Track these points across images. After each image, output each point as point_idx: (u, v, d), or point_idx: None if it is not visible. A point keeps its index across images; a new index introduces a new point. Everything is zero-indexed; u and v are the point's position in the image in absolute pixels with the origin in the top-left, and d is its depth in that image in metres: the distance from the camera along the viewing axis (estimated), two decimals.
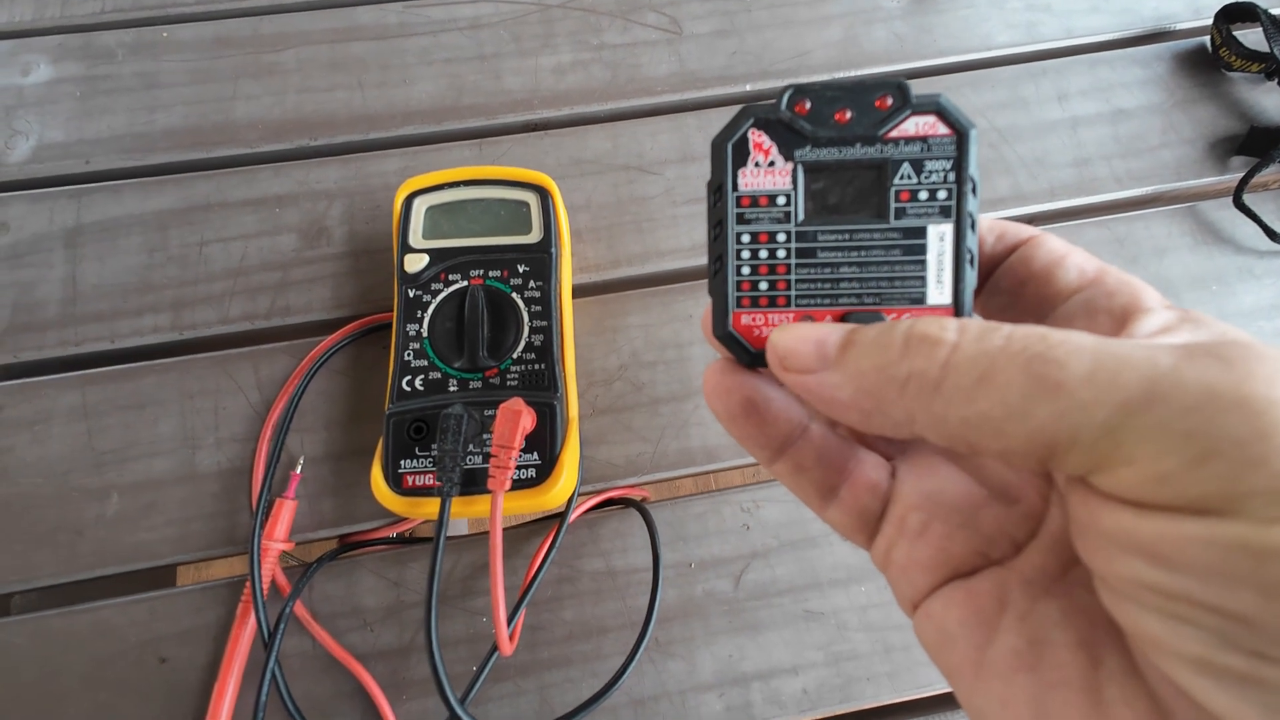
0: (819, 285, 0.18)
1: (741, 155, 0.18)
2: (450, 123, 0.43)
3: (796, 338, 0.17)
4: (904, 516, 0.18)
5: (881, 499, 0.19)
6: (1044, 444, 0.13)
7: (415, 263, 0.33)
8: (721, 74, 0.44)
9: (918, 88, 0.18)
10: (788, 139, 0.18)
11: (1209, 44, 0.44)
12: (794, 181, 0.18)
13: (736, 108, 0.42)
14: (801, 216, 0.18)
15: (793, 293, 0.18)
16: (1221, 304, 0.39)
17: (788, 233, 0.18)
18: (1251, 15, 0.41)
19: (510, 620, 0.29)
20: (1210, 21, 0.43)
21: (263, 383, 0.37)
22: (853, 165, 0.18)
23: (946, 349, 0.14)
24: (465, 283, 0.32)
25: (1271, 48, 0.41)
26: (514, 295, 0.32)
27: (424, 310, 0.32)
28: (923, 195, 0.18)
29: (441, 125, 0.43)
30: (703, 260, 0.40)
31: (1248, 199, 0.40)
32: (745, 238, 0.18)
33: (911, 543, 0.18)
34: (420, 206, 0.34)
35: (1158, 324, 0.15)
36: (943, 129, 0.18)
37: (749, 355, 0.18)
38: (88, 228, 0.40)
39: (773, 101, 0.18)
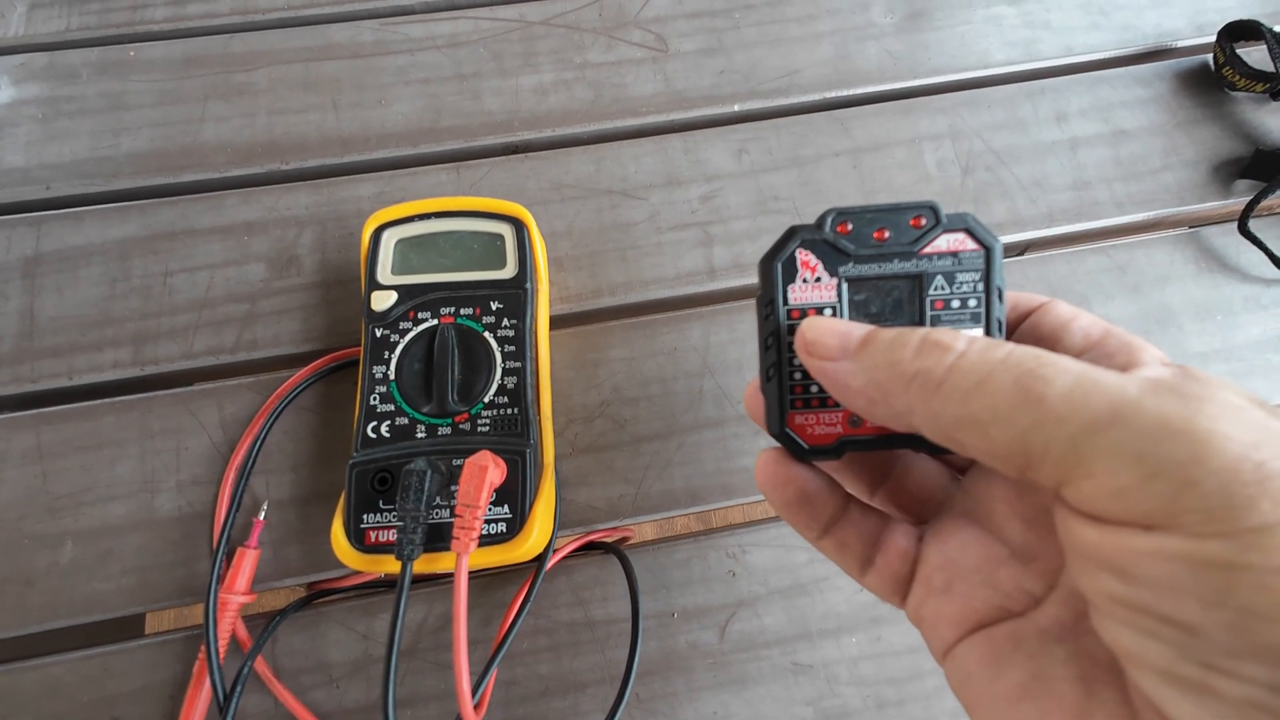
0: None
1: (790, 273, 0.20)
2: (427, 145, 0.41)
3: (824, 329, 0.19)
4: (929, 577, 0.20)
5: (911, 563, 0.21)
6: (1022, 451, 0.15)
7: (383, 300, 0.31)
8: (709, 94, 0.43)
9: (939, 207, 0.20)
10: (831, 257, 0.20)
11: (1212, 62, 0.42)
12: (838, 295, 0.20)
13: (724, 128, 0.42)
14: None
15: None
16: (1227, 335, 0.37)
17: None
18: (1255, 33, 0.40)
19: (479, 685, 0.28)
20: (1213, 39, 0.42)
21: (227, 421, 0.35)
22: (891, 278, 0.20)
23: (954, 355, 0.16)
24: (435, 321, 0.31)
25: (1277, 67, 0.39)
26: (486, 334, 0.31)
27: (391, 351, 0.31)
28: (955, 304, 0.20)
29: (418, 148, 0.41)
30: (687, 290, 0.38)
31: (1254, 225, 0.38)
32: None
33: (938, 600, 0.19)
34: (389, 240, 0.32)
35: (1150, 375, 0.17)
36: (971, 244, 0.20)
37: (802, 450, 0.20)
38: (47, 257, 0.38)
39: (815, 223, 0.20)
